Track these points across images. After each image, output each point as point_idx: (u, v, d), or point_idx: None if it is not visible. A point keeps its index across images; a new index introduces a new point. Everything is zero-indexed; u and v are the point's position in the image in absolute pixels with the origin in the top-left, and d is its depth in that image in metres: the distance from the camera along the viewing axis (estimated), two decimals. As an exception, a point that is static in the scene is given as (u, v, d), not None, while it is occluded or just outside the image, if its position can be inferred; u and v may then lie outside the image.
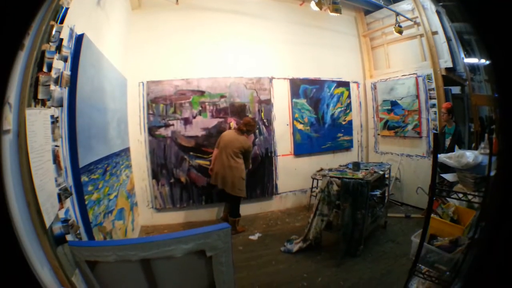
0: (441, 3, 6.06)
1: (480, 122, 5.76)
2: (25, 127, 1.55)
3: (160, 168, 5.47)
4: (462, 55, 6.05)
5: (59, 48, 2.03)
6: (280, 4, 6.47)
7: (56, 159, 2.03)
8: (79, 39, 2.46)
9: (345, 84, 7.19)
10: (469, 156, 2.46)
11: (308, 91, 6.67)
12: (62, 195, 2.04)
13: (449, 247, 2.39)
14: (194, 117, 5.65)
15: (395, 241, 4.67)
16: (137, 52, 5.21)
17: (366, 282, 3.64)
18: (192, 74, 5.65)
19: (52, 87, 1.99)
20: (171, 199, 5.56)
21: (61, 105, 2.17)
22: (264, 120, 6.19)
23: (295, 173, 6.55)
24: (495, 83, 1.13)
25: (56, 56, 2.01)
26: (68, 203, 2.15)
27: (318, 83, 6.80)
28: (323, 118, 6.87)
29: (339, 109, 7.08)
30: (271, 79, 6.27)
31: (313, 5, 5.36)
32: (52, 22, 1.81)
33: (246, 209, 5.85)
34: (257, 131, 6.06)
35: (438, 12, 5.95)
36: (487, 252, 1.24)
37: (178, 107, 5.55)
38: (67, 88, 2.29)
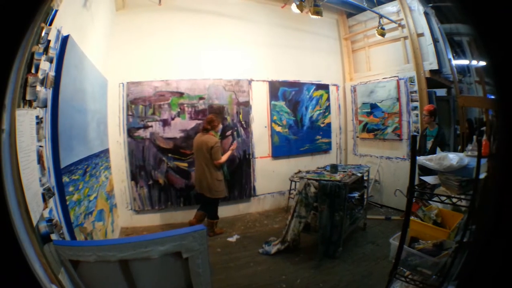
0: (430, 4, 6.05)
1: (468, 124, 5.66)
2: (15, 127, 1.58)
3: (138, 170, 5.44)
4: (450, 56, 6.03)
5: (46, 49, 2.05)
6: (262, 6, 6.52)
7: (40, 159, 2.05)
8: (65, 40, 2.47)
9: (325, 87, 7.31)
10: (453, 158, 2.33)
11: (287, 93, 6.76)
12: (46, 195, 2.05)
13: (433, 250, 2.30)
14: (173, 119, 5.64)
15: (375, 243, 4.70)
16: (119, 52, 5.17)
17: (347, 284, 3.65)
18: (172, 75, 5.65)
19: (38, 88, 2.01)
20: (149, 200, 5.52)
21: (45, 106, 2.18)
22: (242, 122, 6.24)
23: (273, 175, 6.61)
24: (495, 85, 1.12)
25: (43, 57, 2.03)
26: (51, 203, 2.16)
27: (297, 86, 6.90)
28: (302, 121, 6.97)
29: (317, 112, 7.19)
30: (250, 81, 6.33)
31: (294, 8, 5.37)
32: (42, 24, 1.83)
33: (224, 211, 5.88)
34: (235, 133, 6.12)
35: (426, 14, 5.93)
36: (481, 256, 1.22)
37: (157, 108, 5.53)
38: (51, 88, 2.30)
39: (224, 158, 5.00)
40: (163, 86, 5.58)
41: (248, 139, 6.31)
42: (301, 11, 5.39)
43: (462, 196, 2.26)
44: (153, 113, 5.51)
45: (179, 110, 5.68)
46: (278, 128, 6.66)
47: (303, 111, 6.99)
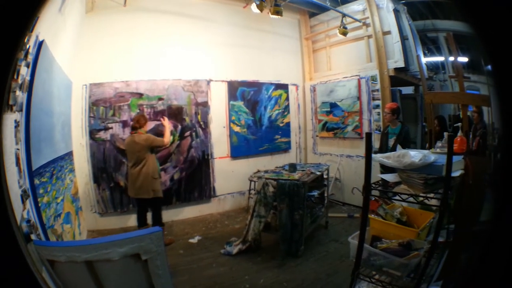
0: (402, 1, 6.05)
1: (439, 121, 5.54)
2: (1, 131, 1.64)
3: (100, 172, 5.37)
4: (420, 53, 6.01)
5: (26, 55, 2.10)
6: (224, 6, 6.57)
7: (17, 161, 2.09)
8: (40, 45, 2.51)
9: (284, 87, 7.45)
10: (414, 155, 2.17)
11: (245, 93, 6.84)
12: (24, 197, 2.11)
13: (399, 250, 2.18)
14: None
15: (339, 241, 4.74)
16: (84, 54, 5.08)
17: (311, 282, 3.69)
18: (133, 76, 5.61)
19: (17, 92, 2.06)
20: (112, 203, 5.45)
21: (21, 110, 2.23)
22: (201, 123, 6.28)
23: (233, 176, 6.67)
24: (496, 84, 1.11)
25: (23, 63, 2.08)
26: (28, 204, 2.20)
27: (256, 86, 7.00)
28: (261, 120, 7.08)
29: (276, 111, 7.31)
30: (208, 82, 6.37)
31: (253, 8, 5.42)
32: (27, 31, 1.89)
33: (185, 212, 5.98)
34: (193, 133, 6.17)
35: (396, 11, 5.85)
36: (480, 256, 1.18)
37: (117, 109, 5.48)
38: (26, 92, 2.34)
39: (167, 137, 4.89)
40: (123, 87, 5.54)
41: (206, 140, 6.35)
42: (261, 11, 5.44)
43: (431, 195, 2.14)
44: (113, 115, 5.46)
45: (138, 111, 5.64)
46: (236, 128, 6.73)
47: (262, 111, 7.09)
